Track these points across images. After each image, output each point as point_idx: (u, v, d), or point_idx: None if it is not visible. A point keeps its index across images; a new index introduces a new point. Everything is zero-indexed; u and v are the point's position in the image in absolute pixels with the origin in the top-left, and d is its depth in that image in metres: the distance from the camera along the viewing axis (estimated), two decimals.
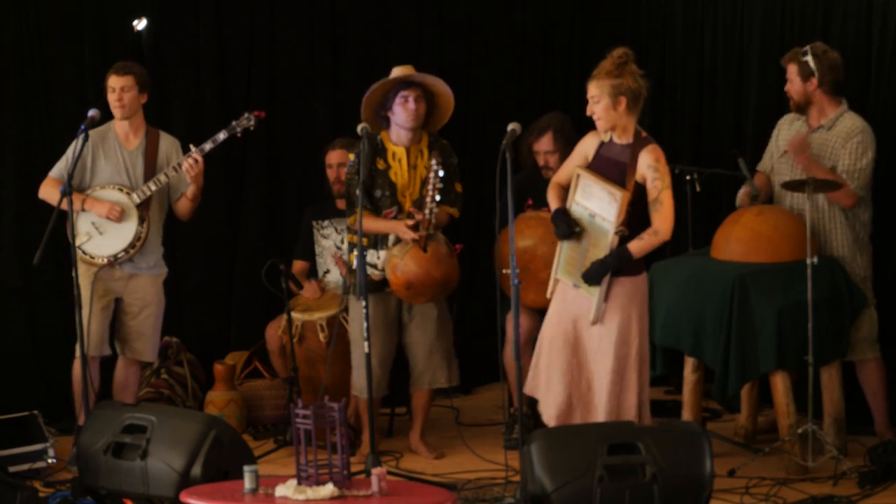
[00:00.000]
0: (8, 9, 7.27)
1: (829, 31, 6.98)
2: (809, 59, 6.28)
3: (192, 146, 6.48)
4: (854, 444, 6.36)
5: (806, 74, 6.31)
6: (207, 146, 6.49)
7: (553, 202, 5.79)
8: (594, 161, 5.73)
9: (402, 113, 6.39)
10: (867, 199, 6.33)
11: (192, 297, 7.82)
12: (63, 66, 7.40)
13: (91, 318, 6.39)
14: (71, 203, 6.08)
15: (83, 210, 6.40)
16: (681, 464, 4.97)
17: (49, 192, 6.52)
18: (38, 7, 7.32)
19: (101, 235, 6.45)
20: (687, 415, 6.51)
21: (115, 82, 6.48)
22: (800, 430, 6.06)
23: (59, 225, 6.30)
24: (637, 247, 5.58)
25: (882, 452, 5.99)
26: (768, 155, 6.62)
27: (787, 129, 6.56)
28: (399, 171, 6.46)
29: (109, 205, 6.43)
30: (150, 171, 6.53)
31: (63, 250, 7.08)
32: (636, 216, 5.60)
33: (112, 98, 6.48)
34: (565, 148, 6.49)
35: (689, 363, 6.47)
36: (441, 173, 6.25)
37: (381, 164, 6.42)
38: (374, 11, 8.05)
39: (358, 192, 6.17)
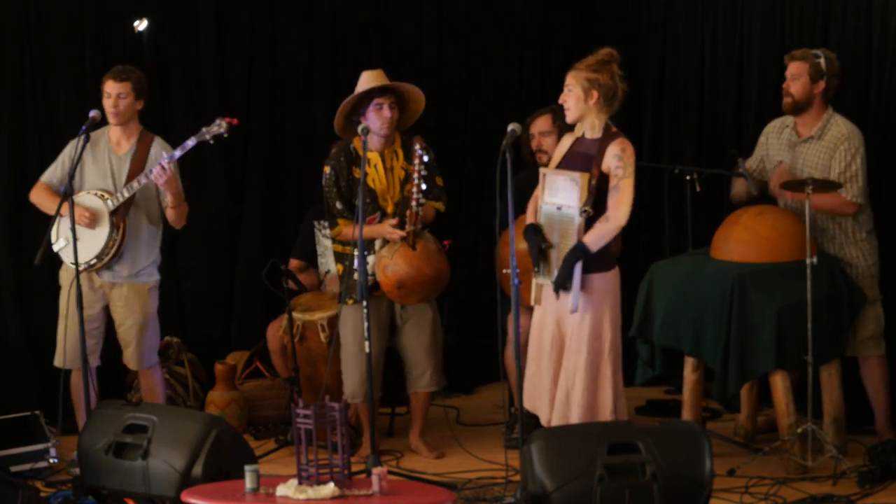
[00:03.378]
0: (8, 9, 7.28)
1: (829, 31, 6.98)
2: (823, 61, 6.30)
3: (163, 153, 6.42)
4: (853, 443, 6.37)
5: (817, 76, 6.31)
6: (177, 153, 6.36)
7: (530, 216, 5.85)
8: (565, 157, 5.82)
9: (377, 120, 6.40)
10: (865, 202, 6.34)
11: (193, 297, 7.83)
12: (63, 67, 7.40)
13: (68, 328, 6.29)
14: (72, 204, 6.06)
15: (61, 215, 6.29)
16: (681, 463, 4.98)
17: (40, 196, 6.45)
18: (39, 7, 7.32)
19: (78, 241, 6.23)
20: (687, 414, 6.52)
21: (111, 88, 6.38)
22: (799, 430, 6.07)
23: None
24: (590, 237, 5.62)
25: (881, 452, 6.00)
26: (756, 160, 6.62)
27: (776, 139, 6.55)
28: (377, 177, 6.48)
29: (80, 210, 6.30)
30: (135, 177, 6.42)
31: None
32: (603, 203, 5.65)
33: (108, 104, 6.38)
34: (561, 132, 6.51)
35: (689, 363, 6.48)
36: (426, 158, 6.28)
37: (356, 173, 6.41)
38: (373, 12, 8.05)
39: (347, 199, 6.18)
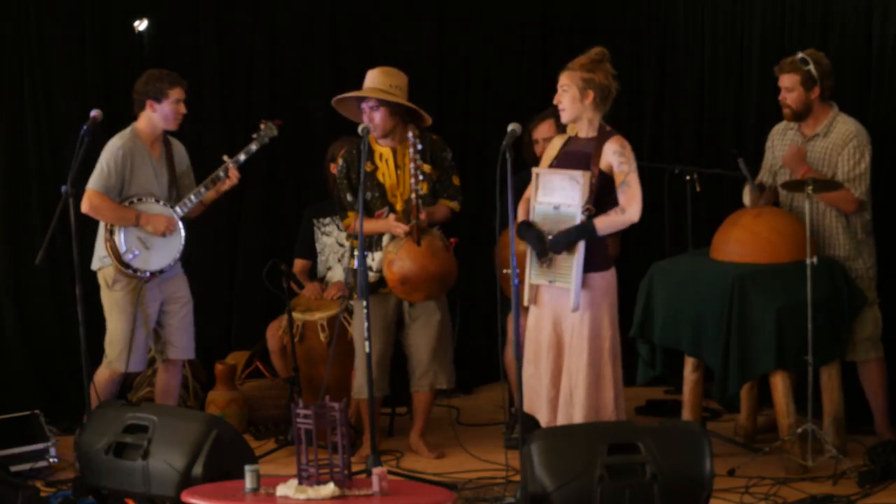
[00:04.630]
0: (8, 9, 7.28)
1: (829, 31, 6.99)
2: (812, 67, 6.28)
3: (225, 157, 6.51)
4: (853, 443, 6.37)
5: (810, 83, 6.29)
6: (242, 157, 6.54)
7: (520, 215, 5.85)
8: (558, 158, 5.81)
9: (368, 122, 6.40)
10: (867, 200, 6.34)
11: (193, 296, 7.82)
12: (63, 67, 7.40)
13: (137, 334, 6.36)
14: (73, 205, 6.05)
15: (136, 226, 6.33)
16: (681, 463, 4.97)
17: (94, 205, 6.30)
18: (39, 7, 7.32)
19: (148, 250, 6.38)
20: (687, 415, 6.52)
21: (182, 94, 6.43)
22: (799, 430, 6.07)
23: (62, 226, 6.32)
24: (602, 222, 5.62)
25: (881, 452, 6.00)
26: (766, 167, 6.61)
27: (780, 140, 6.55)
28: (387, 172, 6.49)
29: (167, 220, 6.40)
30: (173, 179, 6.50)
31: (60, 249, 7.09)
32: (604, 202, 5.65)
33: (176, 109, 6.41)
34: None
35: (689, 363, 6.48)
36: (419, 146, 6.27)
37: (368, 166, 6.42)
38: (373, 11, 8.05)
39: (358, 191, 6.17)
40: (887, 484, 5.91)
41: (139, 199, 6.39)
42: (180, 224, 6.46)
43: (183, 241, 6.47)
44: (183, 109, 6.45)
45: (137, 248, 6.35)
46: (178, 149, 6.61)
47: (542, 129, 6.86)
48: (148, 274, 6.40)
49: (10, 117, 7.34)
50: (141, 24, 7.46)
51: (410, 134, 6.30)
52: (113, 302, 6.38)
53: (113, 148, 6.35)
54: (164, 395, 6.62)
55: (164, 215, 6.41)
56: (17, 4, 7.29)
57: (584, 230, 5.60)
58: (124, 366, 6.40)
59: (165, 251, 6.44)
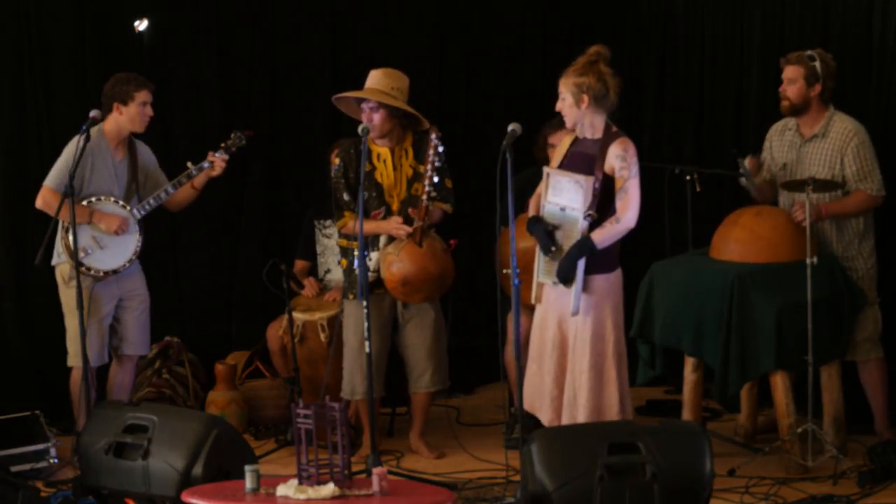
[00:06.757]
0: (8, 9, 7.28)
1: (829, 30, 6.99)
2: (818, 64, 6.29)
3: (189, 164, 6.57)
4: (854, 443, 6.37)
5: (812, 79, 6.30)
6: (206, 164, 6.58)
7: (532, 210, 5.86)
8: (566, 158, 5.82)
9: (367, 122, 6.40)
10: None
11: (193, 297, 7.84)
12: (63, 67, 7.40)
13: (90, 331, 6.36)
14: (73, 204, 6.08)
15: (89, 223, 6.39)
16: (681, 463, 4.98)
17: (48, 201, 6.41)
18: (39, 7, 7.33)
19: (102, 249, 6.44)
20: (687, 415, 6.52)
21: (148, 97, 6.48)
22: (799, 430, 6.08)
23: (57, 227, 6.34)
24: (599, 235, 5.62)
25: (882, 452, 6.00)
26: (764, 166, 6.61)
27: (778, 140, 6.55)
28: (385, 172, 6.49)
29: (120, 219, 6.44)
30: (133, 181, 6.56)
31: None
32: (607, 206, 5.64)
33: (142, 111, 6.47)
34: None
35: (689, 363, 6.48)
36: (441, 148, 6.27)
37: (366, 166, 6.42)
38: (374, 12, 8.06)
39: (355, 192, 6.18)
40: (887, 484, 5.91)
41: (97, 199, 6.44)
42: (135, 225, 6.49)
43: (139, 242, 6.51)
44: (150, 112, 6.50)
45: (91, 247, 6.40)
46: (144, 152, 6.65)
47: (560, 136, 6.84)
48: (102, 273, 6.44)
49: (11, 117, 7.34)
50: (141, 24, 7.46)
51: (433, 136, 6.29)
52: (69, 298, 6.41)
53: (74, 146, 6.37)
54: (118, 391, 6.64)
55: (117, 214, 6.45)
56: (17, 4, 7.29)
57: (584, 247, 5.61)
58: (82, 361, 6.41)
59: (120, 251, 6.49)
